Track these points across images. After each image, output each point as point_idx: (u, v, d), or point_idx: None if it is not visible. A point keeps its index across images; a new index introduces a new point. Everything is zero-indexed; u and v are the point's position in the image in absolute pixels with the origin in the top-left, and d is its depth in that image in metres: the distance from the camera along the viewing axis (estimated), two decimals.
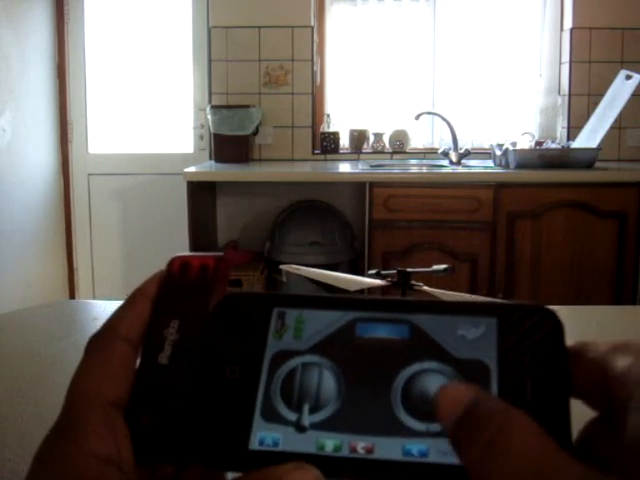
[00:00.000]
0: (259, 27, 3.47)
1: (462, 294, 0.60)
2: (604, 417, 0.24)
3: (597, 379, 0.23)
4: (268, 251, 3.21)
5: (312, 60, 3.50)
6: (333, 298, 0.27)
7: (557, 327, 0.25)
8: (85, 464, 0.24)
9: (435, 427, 0.24)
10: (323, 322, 0.26)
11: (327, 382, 0.25)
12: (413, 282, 0.57)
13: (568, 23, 3.45)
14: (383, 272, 0.58)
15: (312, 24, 3.48)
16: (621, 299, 2.88)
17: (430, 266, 0.63)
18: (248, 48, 3.48)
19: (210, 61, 3.54)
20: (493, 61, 3.57)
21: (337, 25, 3.64)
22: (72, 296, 3.80)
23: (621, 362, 0.23)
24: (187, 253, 0.29)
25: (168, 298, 0.28)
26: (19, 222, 3.33)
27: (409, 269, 0.56)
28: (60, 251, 3.77)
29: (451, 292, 0.58)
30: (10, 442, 0.62)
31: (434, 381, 0.25)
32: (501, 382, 0.24)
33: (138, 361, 0.28)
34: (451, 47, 3.57)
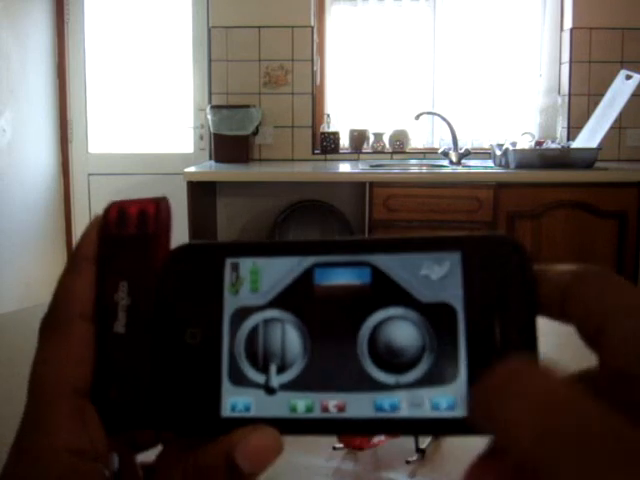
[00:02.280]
0: (259, 27, 3.47)
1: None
2: (598, 365, 0.23)
3: (592, 328, 0.22)
4: None
5: (312, 60, 3.49)
6: (286, 243, 0.26)
7: (523, 258, 0.24)
8: (57, 459, 0.24)
9: (405, 378, 0.23)
10: (279, 271, 0.25)
11: (291, 338, 0.24)
12: None
13: (568, 23, 3.45)
14: None
15: (312, 24, 3.48)
16: None
17: None
18: (248, 48, 3.48)
19: (210, 61, 3.54)
20: (493, 61, 3.57)
21: (337, 25, 3.64)
22: None
23: (628, 324, 0.21)
24: (123, 199, 0.27)
25: (110, 256, 0.26)
26: (19, 222, 3.33)
27: None
28: (60, 251, 3.77)
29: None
30: (10, 442, 0.61)
31: (400, 329, 0.24)
32: (468, 324, 0.23)
33: None
34: (451, 47, 3.57)
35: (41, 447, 0.24)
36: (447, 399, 0.23)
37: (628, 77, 2.96)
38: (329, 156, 3.51)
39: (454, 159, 3.30)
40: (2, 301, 3.08)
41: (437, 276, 0.24)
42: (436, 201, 2.89)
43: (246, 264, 0.25)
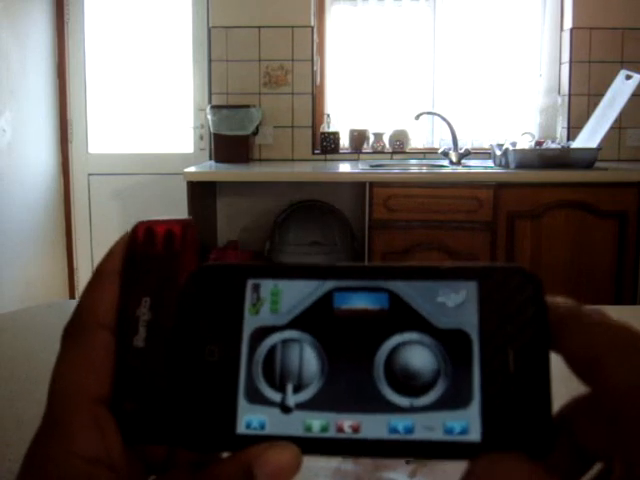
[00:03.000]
0: (259, 27, 3.47)
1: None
2: (590, 396, 0.23)
3: (588, 359, 0.23)
4: (268, 251, 3.21)
5: (312, 60, 3.49)
6: (308, 266, 0.26)
7: (537, 290, 0.25)
8: (73, 467, 0.24)
9: (419, 402, 0.24)
10: (299, 293, 0.25)
11: (309, 359, 0.25)
12: None
13: (568, 23, 3.45)
14: None
15: (312, 24, 3.48)
16: (621, 299, 2.88)
17: None
18: (248, 48, 3.48)
19: (210, 61, 3.54)
20: (493, 61, 3.57)
21: (337, 25, 3.64)
22: (72, 296, 3.80)
23: (615, 357, 0.22)
24: (151, 218, 0.28)
25: (135, 271, 0.27)
26: (19, 222, 3.33)
27: None
28: (60, 251, 3.77)
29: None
30: (10, 442, 0.62)
31: (416, 354, 0.24)
32: (483, 352, 0.24)
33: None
34: (451, 47, 3.57)
35: (57, 454, 0.24)
36: (460, 423, 0.24)
37: (628, 77, 2.96)
38: (329, 156, 3.51)
39: (454, 159, 3.30)
40: (2, 301, 3.08)
41: (453, 304, 0.25)
42: (436, 201, 2.89)
43: (267, 285, 0.26)
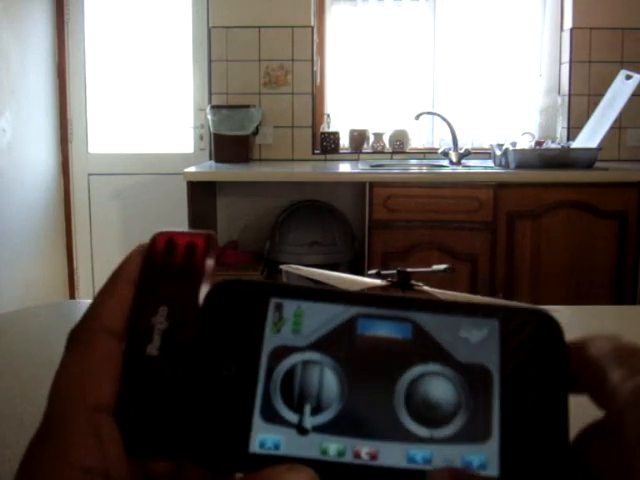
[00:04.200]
0: (259, 27, 3.47)
1: (462, 294, 0.61)
2: (605, 419, 0.24)
3: (596, 381, 0.23)
4: (268, 251, 3.21)
5: (312, 60, 3.49)
6: (333, 291, 0.26)
7: (557, 332, 0.25)
8: (69, 477, 0.23)
9: (439, 433, 0.24)
10: (323, 316, 0.25)
11: (329, 382, 0.24)
12: (413, 282, 0.57)
13: (568, 23, 3.45)
14: (383, 272, 0.58)
15: (312, 24, 3.48)
16: (621, 299, 2.88)
17: (430, 266, 0.63)
18: (248, 48, 3.48)
19: (210, 61, 3.54)
20: (493, 61, 3.57)
21: (337, 25, 3.64)
22: (72, 296, 3.80)
23: (617, 373, 0.23)
24: (172, 229, 0.27)
25: (153, 280, 0.26)
26: (19, 222, 3.33)
27: (409, 269, 0.56)
28: (60, 251, 3.77)
29: (451, 292, 0.58)
30: (10, 442, 0.62)
31: (438, 385, 0.24)
32: (503, 388, 0.24)
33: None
34: (451, 47, 3.57)
35: (52, 462, 0.24)
36: (479, 458, 0.24)
37: (628, 77, 2.96)
38: (329, 156, 3.51)
39: (454, 159, 3.30)
40: (2, 301, 3.08)
41: (475, 339, 0.25)
42: (436, 201, 2.89)
43: (290, 306, 0.26)
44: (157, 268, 0.26)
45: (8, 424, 0.67)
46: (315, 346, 0.25)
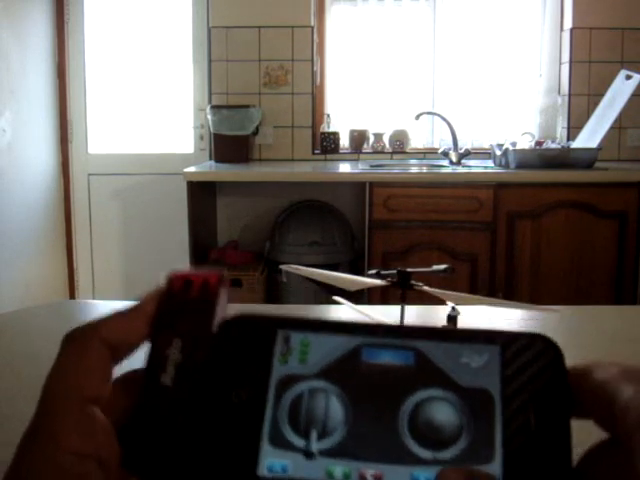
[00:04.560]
0: (259, 27, 3.47)
1: (462, 294, 0.61)
2: (611, 441, 0.24)
3: (604, 403, 0.24)
4: (268, 251, 3.21)
5: (312, 60, 3.50)
6: (337, 323, 0.27)
7: (557, 356, 0.25)
8: (64, 461, 0.24)
9: (442, 455, 0.24)
10: (328, 346, 0.26)
11: (334, 408, 0.25)
12: (413, 282, 0.57)
13: (568, 23, 3.45)
14: (383, 272, 0.58)
15: (312, 24, 3.48)
16: (621, 299, 2.88)
17: (430, 266, 0.63)
18: (248, 48, 3.48)
19: (210, 61, 3.54)
20: (493, 61, 3.57)
21: (337, 25, 3.64)
22: (72, 296, 3.80)
23: (627, 391, 0.23)
24: (187, 270, 0.29)
25: (169, 315, 0.28)
26: (19, 222, 3.33)
27: (409, 269, 0.56)
28: (60, 251, 3.77)
29: (451, 292, 0.58)
30: (10, 442, 0.61)
31: (440, 409, 0.25)
32: (505, 411, 0.25)
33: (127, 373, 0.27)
34: (451, 47, 3.57)
35: (48, 449, 0.24)
36: None
37: (628, 77, 2.96)
38: (329, 156, 3.51)
39: (454, 159, 3.30)
40: (2, 301, 3.08)
41: (476, 364, 0.26)
42: (436, 201, 2.89)
43: (297, 337, 0.27)
44: (174, 304, 0.28)
45: (9, 424, 0.67)
46: (321, 374, 0.26)
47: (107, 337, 0.27)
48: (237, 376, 0.26)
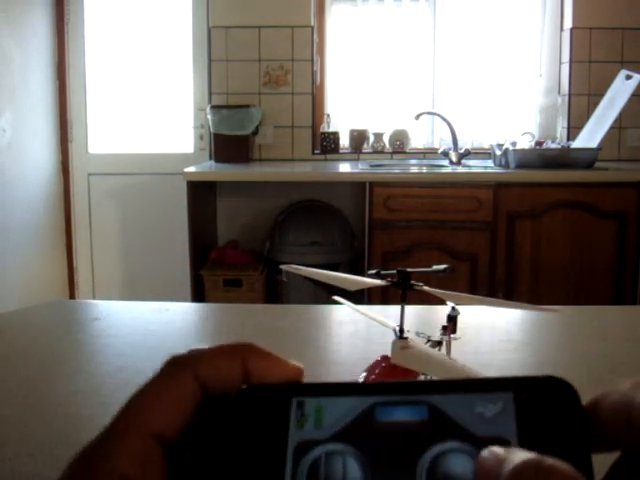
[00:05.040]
0: (259, 27, 3.47)
1: (462, 294, 0.61)
2: (630, 457, 0.24)
3: (620, 422, 0.23)
4: (268, 251, 3.21)
5: (312, 60, 3.50)
6: (350, 385, 0.28)
7: (572, 395, 0.25)
8: (108, 478, 0.24)
9: None
10: (342, 409, 0.27)
11: (352, 470, 0.25)
12: (413, 282, 0.57)
13: (568, 23, 3.45)
14: (383, 272, 0.58)
15: (312, 24, 3.48)
16: (621, 299, 2.88)
17: (430, 266, 0.63)
18: (248, 48, 3.48)
19: (210, 61, 3.54)
20: (493, 61, 3.57)
21: (337, 25, 3.64)
22: (72, 296, 3.80)
23: None
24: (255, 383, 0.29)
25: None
26: (19, 222, 3.33)
27: (409, 269, 0.56)
28: (60, 251, 3.77)
29: (451, 292, 0.58)
30: (11, 441, 0.62)
31: (457, 461, 0.25)
32: None
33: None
34: (451, 47, 3.57)
35: (97, 466, 0.25)
36: None
37: (628, 77, 2.96)
38: (329, 156, 3.51)
39: (454, 159, 3.30)
40: (2, 301, 3.08)
41: (491, 413, 0.25)
42: (436, 201, 2.89)
43: (311, 402, 0.27)
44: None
45: (9, 424, 0.67)
46: (337, 437, 0.26)
47: (202, 374, 0.27)
48: (254, 444, 0.26)
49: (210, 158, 3.59)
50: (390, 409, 0.26)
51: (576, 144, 3.12)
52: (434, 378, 0.50)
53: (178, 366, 0.27)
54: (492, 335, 0.95)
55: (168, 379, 0.26)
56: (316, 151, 3.55)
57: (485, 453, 0.23)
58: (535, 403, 0.25)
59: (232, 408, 0.27)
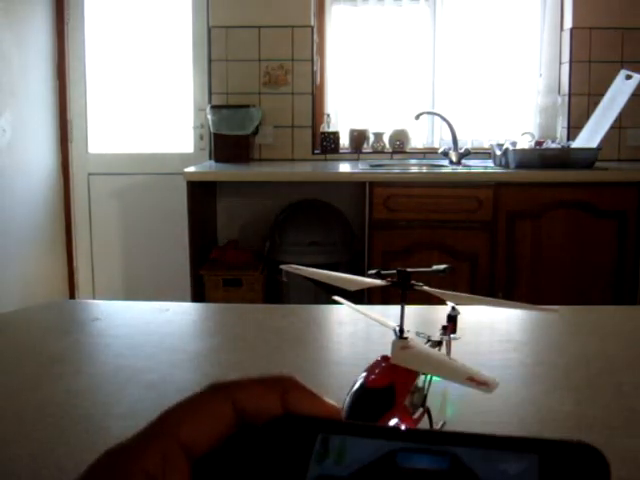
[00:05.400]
0: (259, 27, 3.47)
1: (462, 294, 0.61)
2: None
3: None
4: (268, 251, 3.21)
5: (312, 60, 3.50)
6: (376, 427, 0.28)
7: (603, 466, 0.24)
8: (133, 476, 0.25)
9: None
10: (365, 449, 0.27)
11: None
12: (413, 282, 0.57)
13: (568, 23, 3.45)
14: (383, 272, 0.58)
15: (312, 24, 3.48)
16: (621, 299, 2.88)
17: (430, 266, 0.63)
18: (248, 48, 3.48)
19: (210, 61, 3.54)
20: (493, 61, 3.57)
21: (337, 25, 3.64)
22: (72, 296, 3.80)
23: None
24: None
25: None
26: (19, 222, 3.33)
27: (409, 269, 0.56)
28: (60, 251, 3.77)
29: (451, 292, 0.58)
30: (11, 441, 0.62)
31: None
32: None
33: None
34: (451, 47, 3.57)
35: (123, 465, 0.25)
36: None
37: (628, 77, 2.96)
38: (329, 156, 3.52)
39: (454, 159, 3.30)
40: (2, 300, 3.08)
41: (514, 472, 0.25)
42: (436, 201, 2.89)
43: (335, 440, 0.27)
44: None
45: (9, 423, 0.67)
46: (355, 476, 0.26)
47: (241, 401, 0.27)
48: (274, 472, 0.27)
49: (210, 158, 3.59)
50: (412, 456, 0.26)
51: (576, 144, 3.12)
52: (451, 428, 0.50)
53: (218, 389, 0.28)
54: (492, 335, 0.95)
55: (206, 399, 0.27)
56: (316, 151, 3.55)
57: None
58: (561, 468, 0.24)
59: (259, 435, 0.28)
